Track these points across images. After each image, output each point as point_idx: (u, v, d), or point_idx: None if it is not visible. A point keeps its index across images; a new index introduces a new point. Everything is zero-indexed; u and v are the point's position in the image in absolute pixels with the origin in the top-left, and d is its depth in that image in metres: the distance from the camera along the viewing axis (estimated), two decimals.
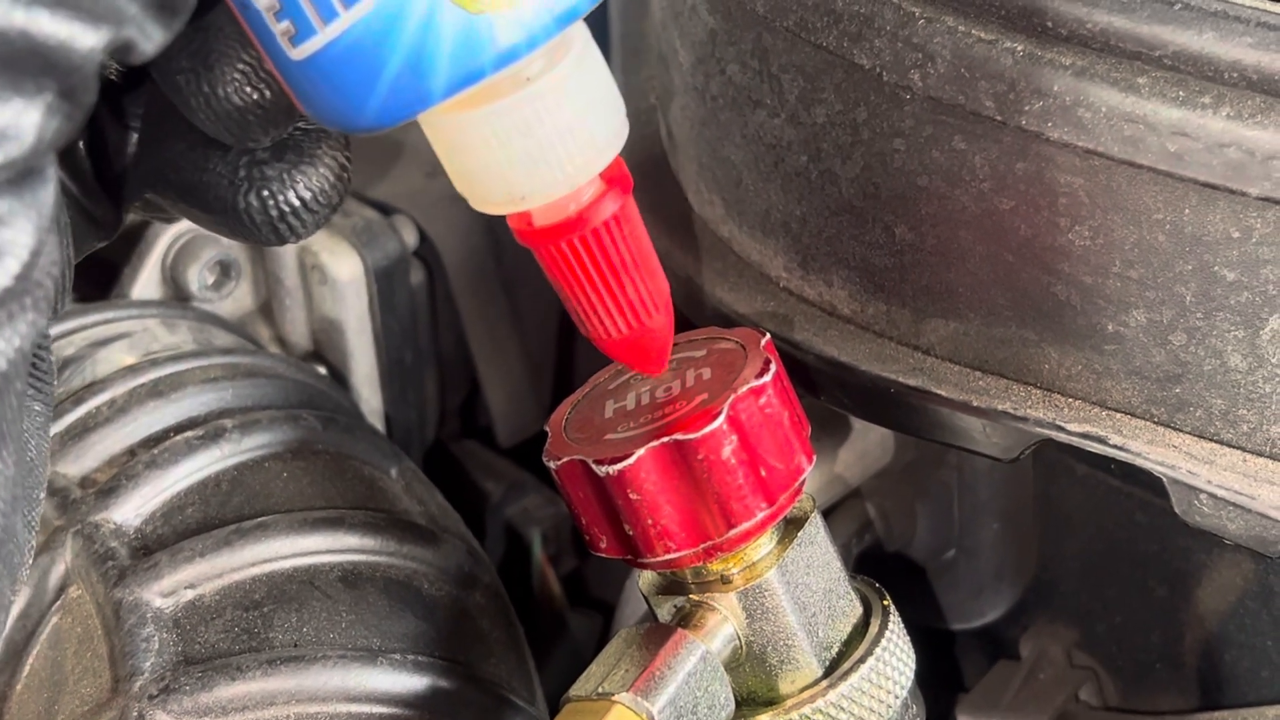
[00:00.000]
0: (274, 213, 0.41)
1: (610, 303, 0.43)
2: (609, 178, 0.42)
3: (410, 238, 0.77)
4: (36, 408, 0.41)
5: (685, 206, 0.66)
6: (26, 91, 0.33)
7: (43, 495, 0.42)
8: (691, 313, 0.63)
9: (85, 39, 0.33)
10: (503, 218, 0.43)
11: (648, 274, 0.44)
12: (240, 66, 0.39)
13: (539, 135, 0.40)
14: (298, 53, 0.36)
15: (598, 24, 0.80)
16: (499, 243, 0.81)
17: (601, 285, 0.43)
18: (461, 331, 0.80)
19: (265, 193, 0.41)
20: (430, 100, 0.37)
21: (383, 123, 0.38)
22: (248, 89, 0.39)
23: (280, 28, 0.36)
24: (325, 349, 0.76)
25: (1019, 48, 0.49)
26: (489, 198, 0.41)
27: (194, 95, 0.39)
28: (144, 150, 0.43)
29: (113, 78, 0.43)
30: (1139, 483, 0.61)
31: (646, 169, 0.68)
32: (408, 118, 0.38)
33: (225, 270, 0.73)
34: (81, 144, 0.43)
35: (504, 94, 0.39)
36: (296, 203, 0.41)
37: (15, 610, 0.55)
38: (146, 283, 0.72)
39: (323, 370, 0.75)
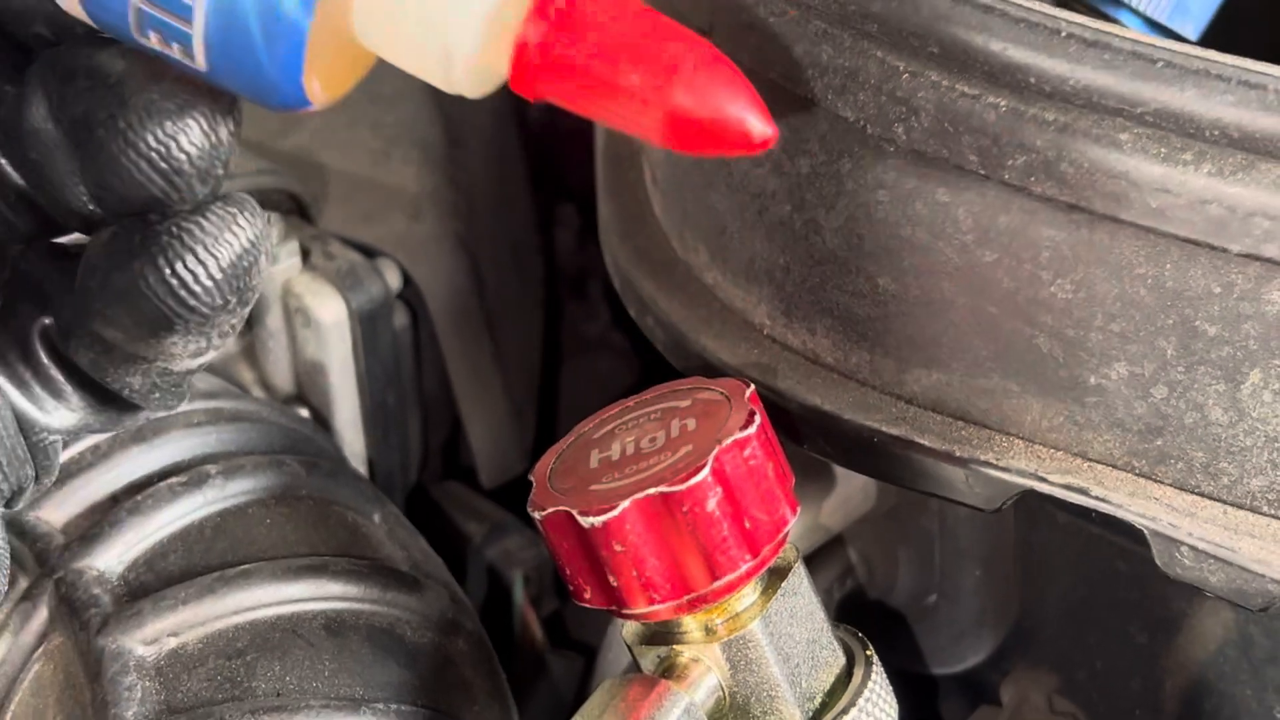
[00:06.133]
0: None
1: (622, 87, 0.37)
2: None
3: (394, 281, 0.77)
4: None
5: (669, 252, 0.66)
6: None
7: None
8: (676, 360, 0.63)
9: None
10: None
11: (650, 35, 0.37)
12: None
13: None
14: (200, 62, 0.37)
15: None
16: (482, 284, 0.81)
17: (605, 78, 0.37)
18: (445, 374, 0.80)
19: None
20: (297, 23, 0.37)
21: (285, 75, 0.37)
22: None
23: (176, 51, 0.37)
24: (308, 392, 0.76)
25: (1002, 103, 0.49)
26: (438, 73, 0.38)
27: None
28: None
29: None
30: (1120, 531, 0.61)
31: (631, 214, 0.69)
32: (296, 54, 0.37)
33: None
34: None
35: None
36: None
37: None
38: None
39: (305, 413, 0.75)
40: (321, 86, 0.39)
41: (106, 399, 0.44)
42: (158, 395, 0.43)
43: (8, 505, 0.42)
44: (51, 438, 0.43)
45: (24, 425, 0.42)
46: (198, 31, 0.37)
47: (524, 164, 0.91)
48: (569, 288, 0.97)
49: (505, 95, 0.40)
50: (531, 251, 0.91)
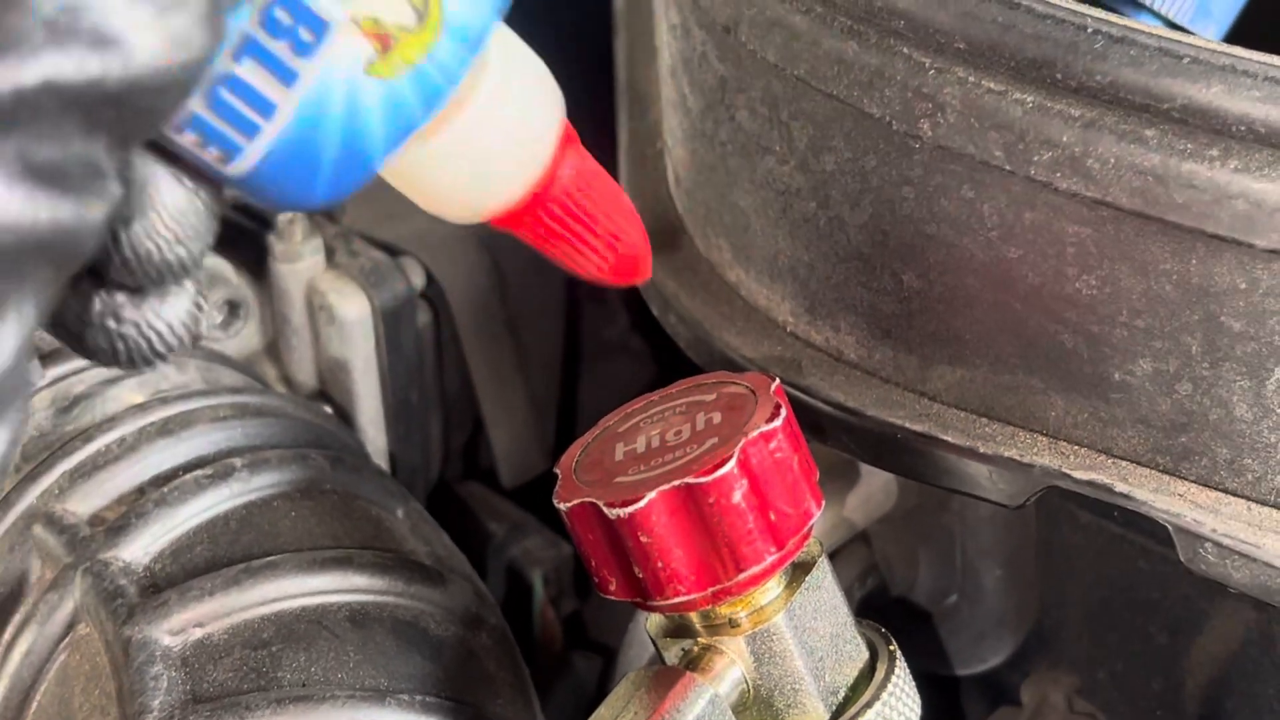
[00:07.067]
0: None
1: (592, 242, 0.46)
2: (559, 141, 0.44)
3: (417, 279, 0.77)
4: None
5: (692, 251, 0.66)
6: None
7: None
8: (699, 357, 0.63)
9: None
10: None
11: (614, 204, 0.46)
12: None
13: (482, 152, 0.41)
14: (234, 169, 0.37)
15: (603, 69, 0.80)
16: (504, 285, 0.81)
17: (581, 233, 0.45)
18: (466, 373, 0.81)
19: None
20: (372, 167, 0.38)
21: (333, 199, 0.38)
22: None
23: (210, 155, 0.36)
24: (331, 388, 0.76)
25: (1028, 99, 0.50)
26: (455, 216, 0.43)
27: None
28: None
29: None
30: (1141, 530, 0.61)
31: (654, 213, 0.69)
32: (356, 188, 0.38)
33: (234, 309, 0.74)
34: None
35: (439, 123, 0.40)
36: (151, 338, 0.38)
37: (23, 647, 0.56)
38: None
39: (328, 410, 0.76)
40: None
41: None
42: None
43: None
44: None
45: None
46: (255, 150, 0.36)
47: None
48: (588, 292, 0.97)
49: None
50: None
